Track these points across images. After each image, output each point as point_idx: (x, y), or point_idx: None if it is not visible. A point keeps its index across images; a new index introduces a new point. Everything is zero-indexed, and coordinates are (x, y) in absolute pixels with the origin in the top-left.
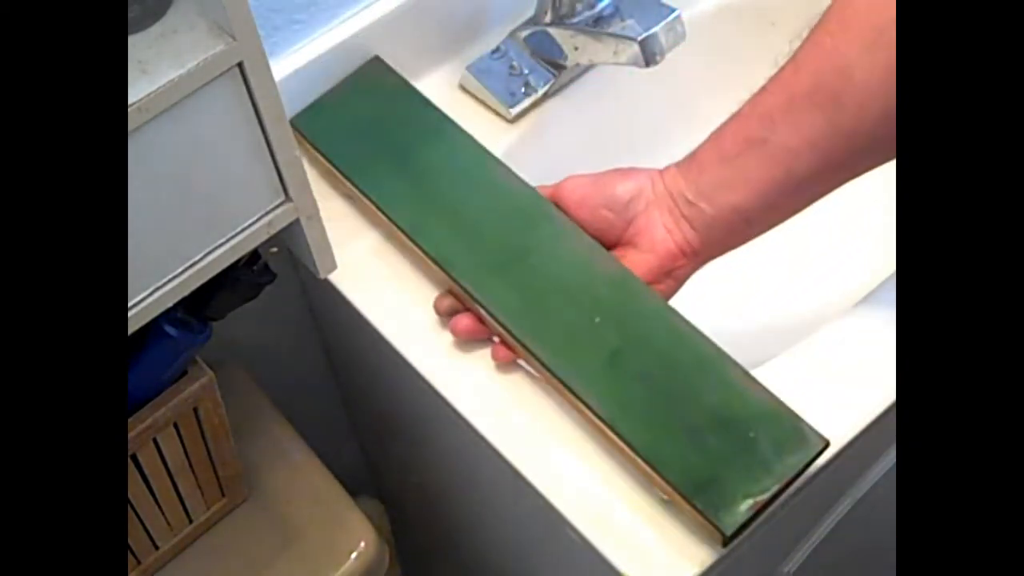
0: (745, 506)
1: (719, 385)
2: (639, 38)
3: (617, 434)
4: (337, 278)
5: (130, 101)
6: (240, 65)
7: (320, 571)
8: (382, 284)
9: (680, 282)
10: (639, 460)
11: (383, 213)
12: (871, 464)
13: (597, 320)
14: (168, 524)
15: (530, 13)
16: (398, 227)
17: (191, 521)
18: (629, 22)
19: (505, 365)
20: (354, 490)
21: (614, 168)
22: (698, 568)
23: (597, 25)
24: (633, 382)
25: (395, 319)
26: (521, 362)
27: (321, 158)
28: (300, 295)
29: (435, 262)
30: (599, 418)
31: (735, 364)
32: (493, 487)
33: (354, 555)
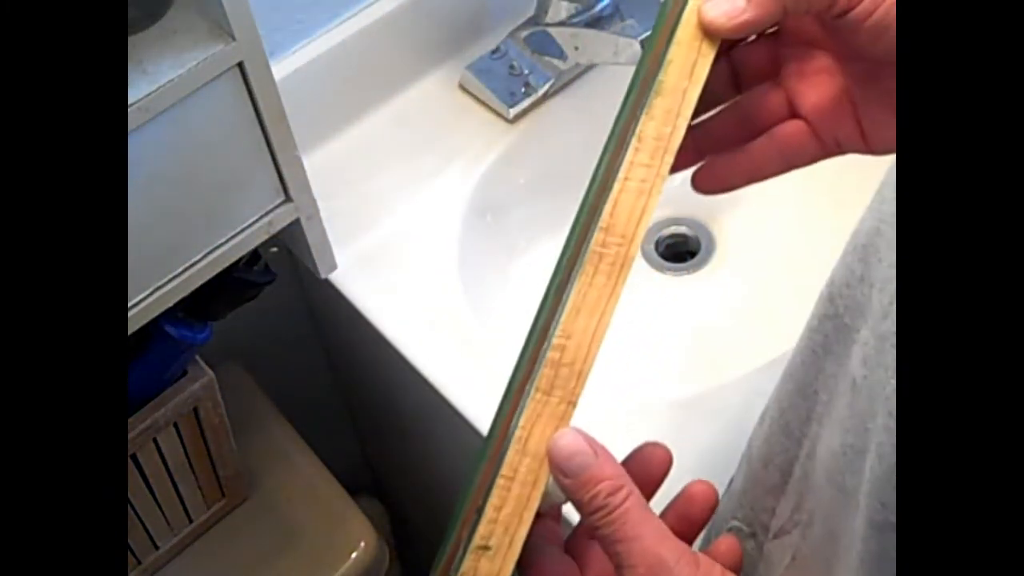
0: None
1: None
2: (639, 38)
3: None
4: (337, 278)
5: (130, 101)
6: (240, 65)
7: (320, 571)
8: (382, 284)
9: None
10: None
11: None
12: None
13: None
14: (168, 524)
15: (530, 13)
16: None
17: (191, 521)
18: (629, 22)
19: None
20: (354, 490)
21: None
22: None
23: (597, 25)
24: None
25: (395, 319)
26: None
27: None
28: (300, 295)
29: None
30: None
31: None
32: None
33: (354, 555)
